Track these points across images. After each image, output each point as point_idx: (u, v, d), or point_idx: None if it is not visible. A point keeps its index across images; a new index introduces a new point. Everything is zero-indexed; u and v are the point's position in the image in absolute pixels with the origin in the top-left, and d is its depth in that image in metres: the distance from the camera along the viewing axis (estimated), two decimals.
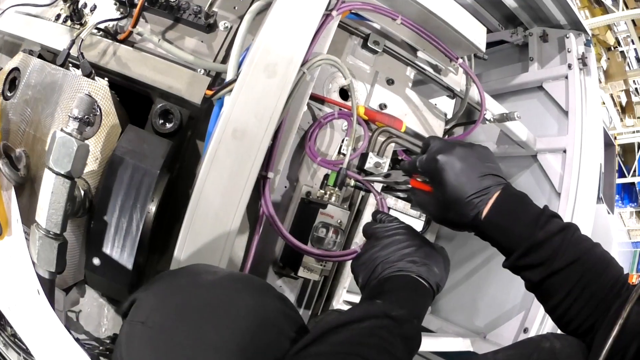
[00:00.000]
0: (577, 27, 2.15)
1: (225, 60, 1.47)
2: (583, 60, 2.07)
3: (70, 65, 1.37)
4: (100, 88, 1.27)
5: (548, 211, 0.91)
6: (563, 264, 0.85)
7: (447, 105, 2.18)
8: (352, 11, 1.46)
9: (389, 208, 1.44)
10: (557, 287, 0.86)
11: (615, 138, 8.48)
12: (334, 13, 1.37)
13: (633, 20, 7.85)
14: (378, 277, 0.92)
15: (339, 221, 1.36)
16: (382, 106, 1.62)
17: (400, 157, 1.90)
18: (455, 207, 0.91)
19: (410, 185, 1.03)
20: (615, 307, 0.81)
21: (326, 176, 1.46)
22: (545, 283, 0.87)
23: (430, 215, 0.99)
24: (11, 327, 1.35)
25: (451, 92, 1.84)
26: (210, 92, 1.32)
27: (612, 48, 8.83)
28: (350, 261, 1.07)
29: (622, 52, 8.95)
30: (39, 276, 1.08)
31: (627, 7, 7.79)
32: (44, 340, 1.09)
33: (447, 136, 1.85)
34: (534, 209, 0.91)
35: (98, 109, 1.25)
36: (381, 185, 1.42)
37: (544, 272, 0.87)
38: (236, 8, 1.54)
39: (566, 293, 0.85)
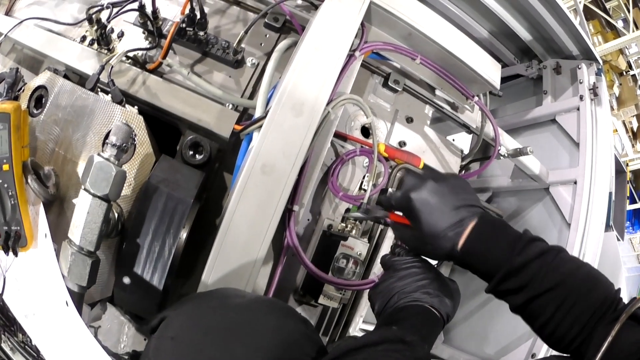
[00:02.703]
0: (589, 56, 2.20)
1: (252, 96, 1.52)
2: (594, 90, 2.11)
3: (99, 90, 1.40)
4: (134, 117, 1.32)
5: (527, 235, 0.92)
6: (544, 288, 0.86)
7: (465, 140, 2.22)
8: (374, 51, 1.52)
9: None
10: (540, 310, 0.87)
11: (627, 165, 8.42)
12: (357, 53, 1.44)
13: None
14: (394, 306, 0.97)
15: (358, 253, 1.41)
16: (402, 143, 1.68)
17: None
18: (431, 241, 0.94)
19: (389, 220, 1.06)
20: (602, 326, 0.82)
21: (347, 210, 1.53)
22: (529, 307, 0.89)
23: (410, 248, 1.02)
24: (23, 334, 1.40)
25: (467, 129, 1.88)
26: (238, 127, 1.36)
27: (624, 73, 8.82)
28: (367, 290, 1.11)
29: (633, 75, 8.95)
30: (68, 289, 1.12)
31: (637, 28, 7.81)
32: (68, 348, 1.13)
33: (463, 172, 1.89)
34: (511, 234, 0.93)
35: (135, 138, 1.31)
36: None
37: (525, 296, 0.88)
38: (262, 45, 1.60)
39: (550, 315, 0.86)
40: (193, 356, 0.77)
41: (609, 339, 0.78)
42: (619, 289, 0.88)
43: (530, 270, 0.87)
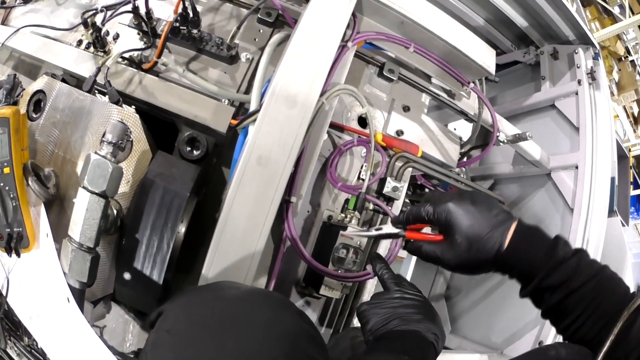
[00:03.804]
0: (585, 40, 2.19)
1: (248, 90, 1.52)
2: (592, 74, 2.10)
3: (96, 91, 1.41)
4: (130, 115, 1.33)
5: (562, 237, 0.96)
6: (579, 282, 0.89)
7: (466, 128, 2.21)
8: (367, 41, 1.52)
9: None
10: (573, 306, 0.90)
11: (629, 150, 8.37)
12: (350, 44, 1.43)
13: None
14: (393, 329, 0.98)
15: (358, 242, 1.41)
16: (399, 132, 1.68)
17: (419, 182, 1.94)
18: (476, 245, 0.95)
19: (406, 237, 1.07)
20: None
21: (347, 200, 1.53)
22: (562, 304, 0.91)
23: (445, 262, 1.01)
24: (29, 337, 1.40)
25: (465, 116, 1.87)
26: (234, 122, 1.38)
27: (623, 58, 8.77)
28: (367, 280, 1.10)
29: (632, 61, 8.89)
30: (69, 286, 1.14)
31: (633, 14, 7.77)
32: (71, 346, 1.13)
33: (465, 159, 1.88)
34: (549, 236, 0.97)
35: (130, 135, 1.32)
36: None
37: (562, 292, 0.90)
38: (256, 40, 1.60)
39: (580, 312, 0.89)
40: (188, 349, 0.78)
41: (615, 330, 0.79)
42: (635, 293, 0.90)
43: (570, 265, 0.91)
